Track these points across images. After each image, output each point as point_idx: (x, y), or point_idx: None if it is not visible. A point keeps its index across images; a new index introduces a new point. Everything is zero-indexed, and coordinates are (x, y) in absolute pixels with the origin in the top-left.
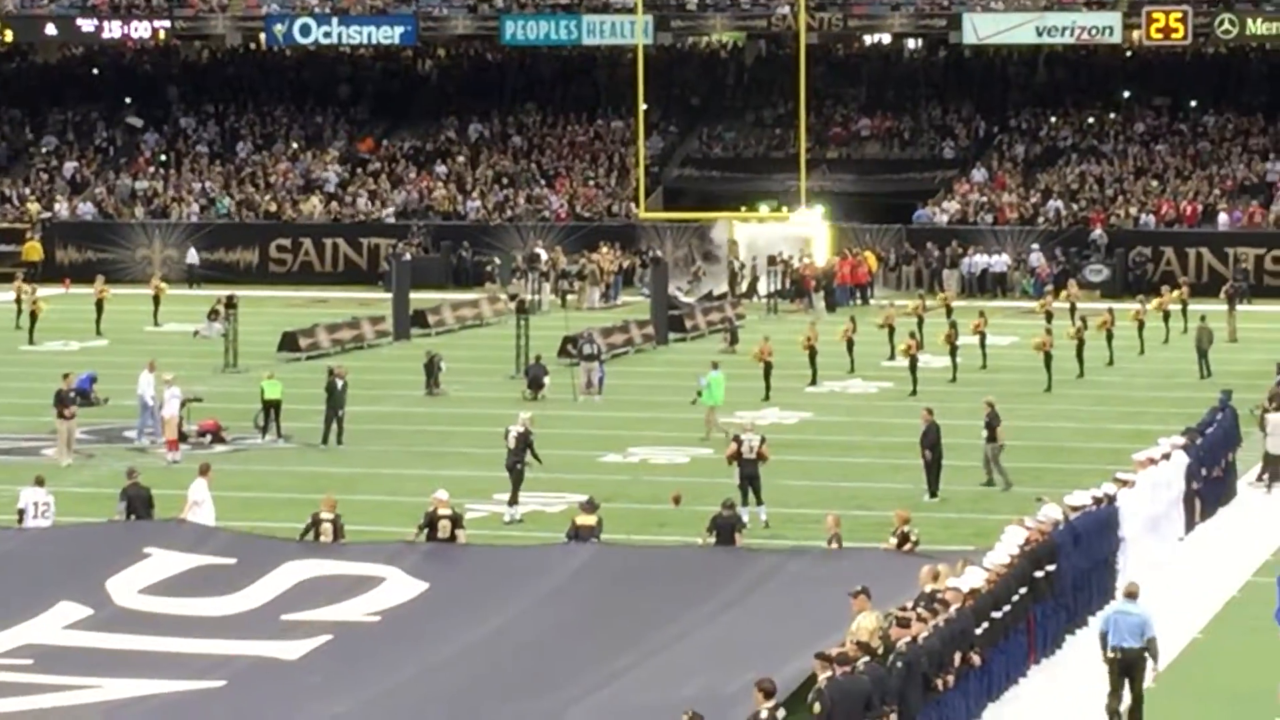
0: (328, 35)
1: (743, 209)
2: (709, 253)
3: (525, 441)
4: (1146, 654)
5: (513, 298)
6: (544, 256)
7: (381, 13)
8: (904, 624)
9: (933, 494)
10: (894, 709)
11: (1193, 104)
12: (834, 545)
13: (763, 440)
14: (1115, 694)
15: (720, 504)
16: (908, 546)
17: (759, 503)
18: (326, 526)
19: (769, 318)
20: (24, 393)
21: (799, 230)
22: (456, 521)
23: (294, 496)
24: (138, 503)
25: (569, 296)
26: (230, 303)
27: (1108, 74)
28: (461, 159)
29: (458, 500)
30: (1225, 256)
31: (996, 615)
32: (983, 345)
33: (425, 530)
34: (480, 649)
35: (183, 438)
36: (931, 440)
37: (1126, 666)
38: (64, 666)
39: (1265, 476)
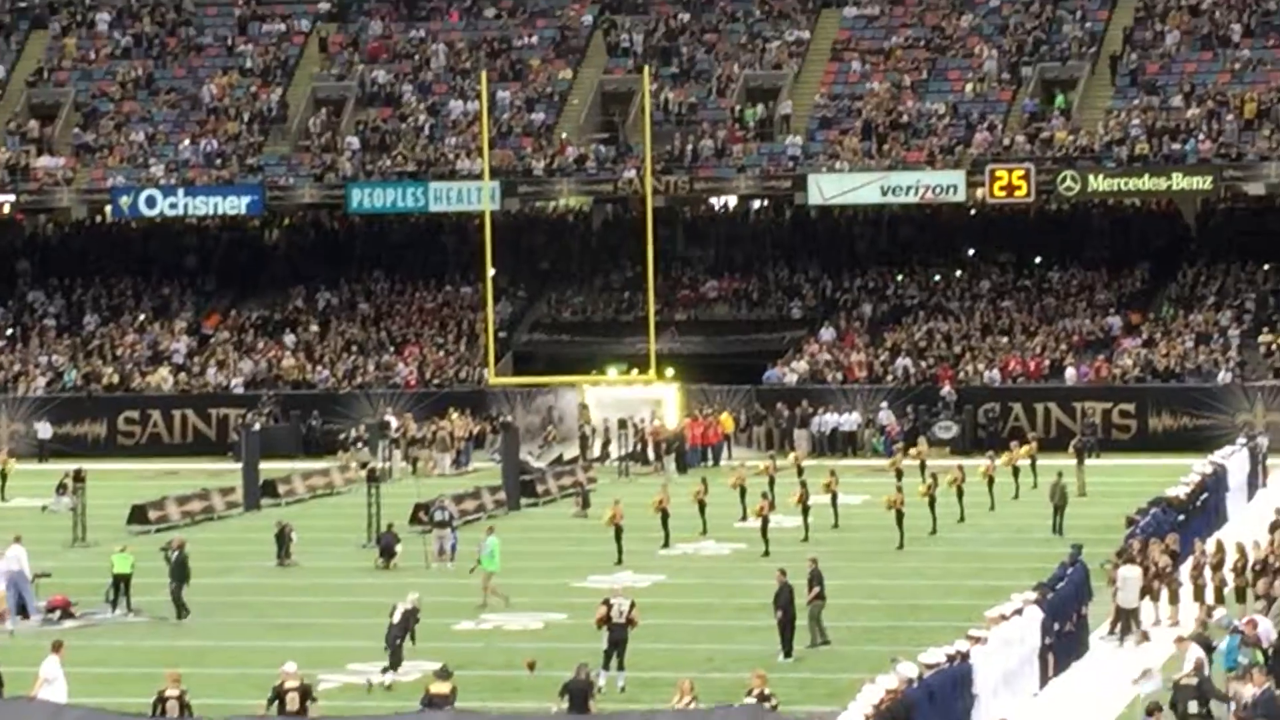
0: (174, 206)
1: (593, 373)
2: (559, 417)
3: (410, 620)
4: None
5: (363, 466)
6: (394, 424)
7: (228, 183)
8: None
9: (786, 654)
10: None
11: (1037, 260)
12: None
13: (633, 605)
14: None
15: (575, 669)
16: (768, 706)
17: (620, 667)
18: (172, 703)
19: (621, 480)
20: None
21: (649, 393)
22: (306, 693)
23: (145, 671)
24: None
25: (419, 463)
26: (78, 476)
27: (953, 232)
28: (310, 328)
29: (310, 671)
30: (1073, 411)
31: None
32: (834, 504)
33: (274, 703)
34: None
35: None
36: (784, 601)
37: None
38: None
39: (1117, 630)
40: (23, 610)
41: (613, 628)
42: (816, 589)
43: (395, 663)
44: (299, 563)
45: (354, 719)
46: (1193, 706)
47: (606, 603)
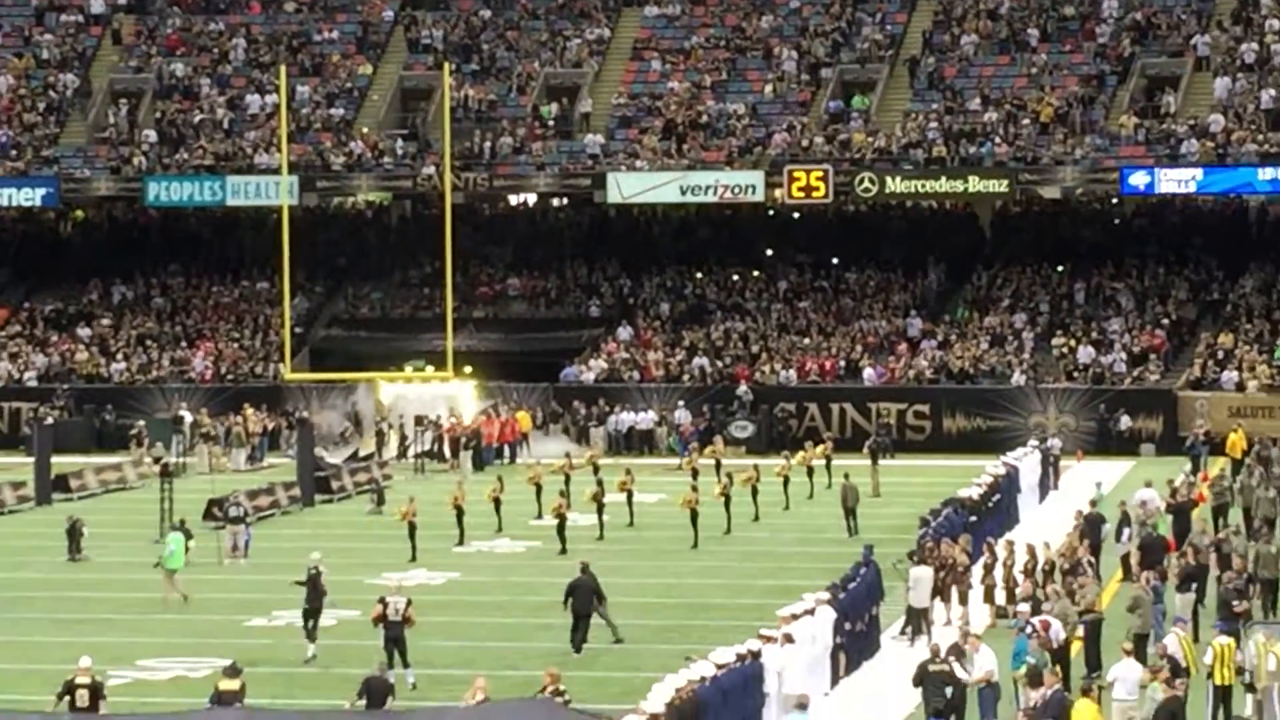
0: None
1: (390, 369)
2: (356, 414)
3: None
4: None
5: (157, 461)
6: (188, 418)
7: (22, 174)
8: None
9: (576, 650)
10: None
11: (835, 261)
12: None
13: (409, 603)
14: None
15: (374, 666)
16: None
17: (405, 665)
18: None
19: (417, 478)
20: None
21: (446, 389)
22: (97, 690)
23: None
24: None
25: (213, 459)
26: None
27: (751, 232)
28: (105, 321)
29: (101, 667)
30: (869, 411)
31: None
32: (630, 503)
33: (64, 698)
34: None
35: None
36: (579, 595)
37: None
38: None
39: (908, 630)
40: None
41: (389, 625)
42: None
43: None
44: (90, 558)
45: (144, 716)
46: (948, 692)
47: (382, 600)
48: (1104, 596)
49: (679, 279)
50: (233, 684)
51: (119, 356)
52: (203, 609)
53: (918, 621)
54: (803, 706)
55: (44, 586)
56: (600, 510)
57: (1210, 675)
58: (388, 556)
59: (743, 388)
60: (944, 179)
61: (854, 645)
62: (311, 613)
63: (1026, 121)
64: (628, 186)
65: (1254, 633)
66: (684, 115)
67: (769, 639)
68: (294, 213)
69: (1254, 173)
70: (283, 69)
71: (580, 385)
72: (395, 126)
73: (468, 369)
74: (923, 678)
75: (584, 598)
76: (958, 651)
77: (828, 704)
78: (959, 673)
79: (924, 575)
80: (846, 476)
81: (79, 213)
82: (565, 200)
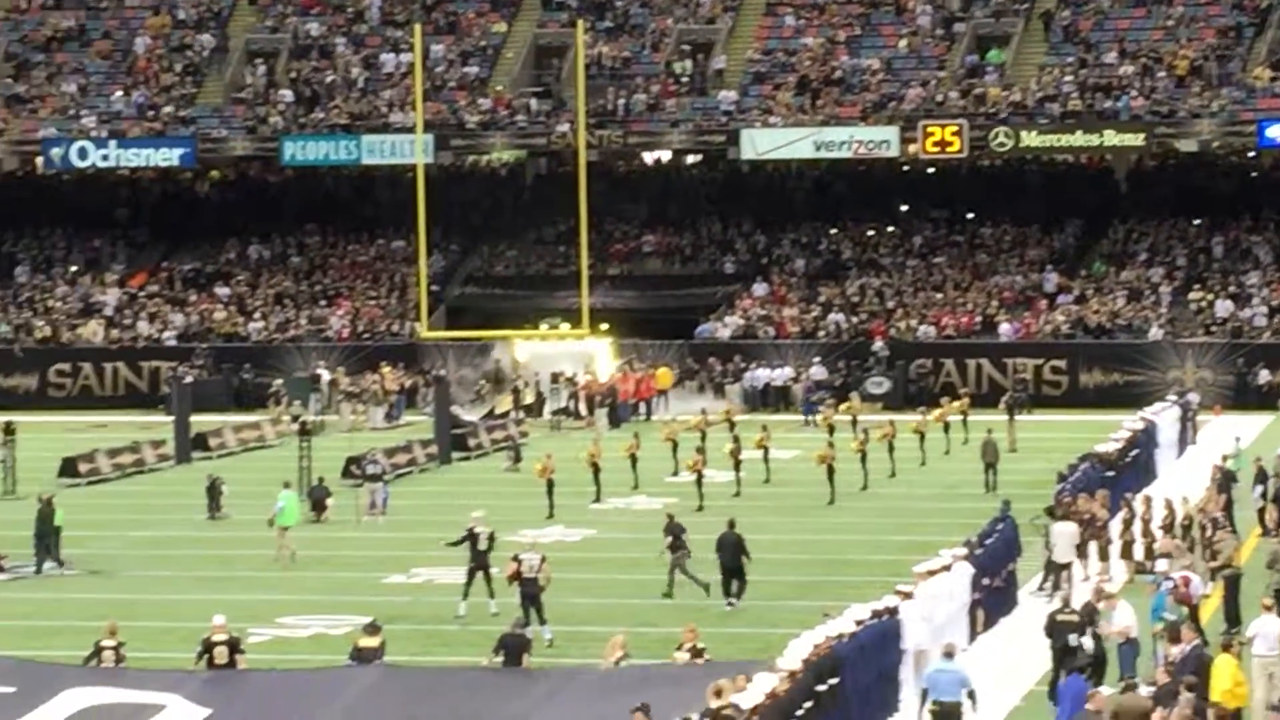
0: (105, 158)
1: (525, 326)
2: (494, 371)
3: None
4: (966, 704)
5: (295, 419)
6: (326, 377)
7: (160, 135)
8: None
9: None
10: None
11: (970, 216)
12: (622, 664)
13: (543, 560)
14: None
15: (511, 623)
16: (700, 661)
17: (542, 622)
18: (109, 654)
19: (553, 435)
20: None
21: (582, 347)
22: (234, 647)
23: (74, 624)
24: None
25: (352, 417)
26: (9, 429)
27: (886, 187)
28: (243, 281)
29: (240, 625)
30: (1005, 367)
31: None
32: (766, 459)
33: (203, 657)
34: None
35: None
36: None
37: (945, 718)
38: None
39: (1047, 585)
40: None
41: (524, 582)
42: (669, 539)
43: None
44: (229, 516)
45: (284, 672)
46: (1073, 640)
47: (516, 558)
48: (1243, 551)
49: (814, 235)
50: (372, 641)
51: (256, 315)
52: (341, 566)
53: (1057, 576)
54: (949, 655)
55: (184, 544)
56: (737, 467)
57: None
58: (525, 514)
59: (878, 343)
60: (1079, 133)
61: (992, 601)
62: (475, 570)
63: (1162, 74)
64: (762, 143)
65: None
66: (818, 71)
67: (906, 595)
68: (429, 171)
69: None
70: (417, 27)
71: (715, 342)
72: (529, 84)
73: (603, 326)
74: (1052, 627)
75: (731, 552)
76: (1091, 610)
77: (965, 660)
78: (1090, 627)
79: (1066, 530)
80: (990, 432)
81: (215, 173)
82: (699, 157)
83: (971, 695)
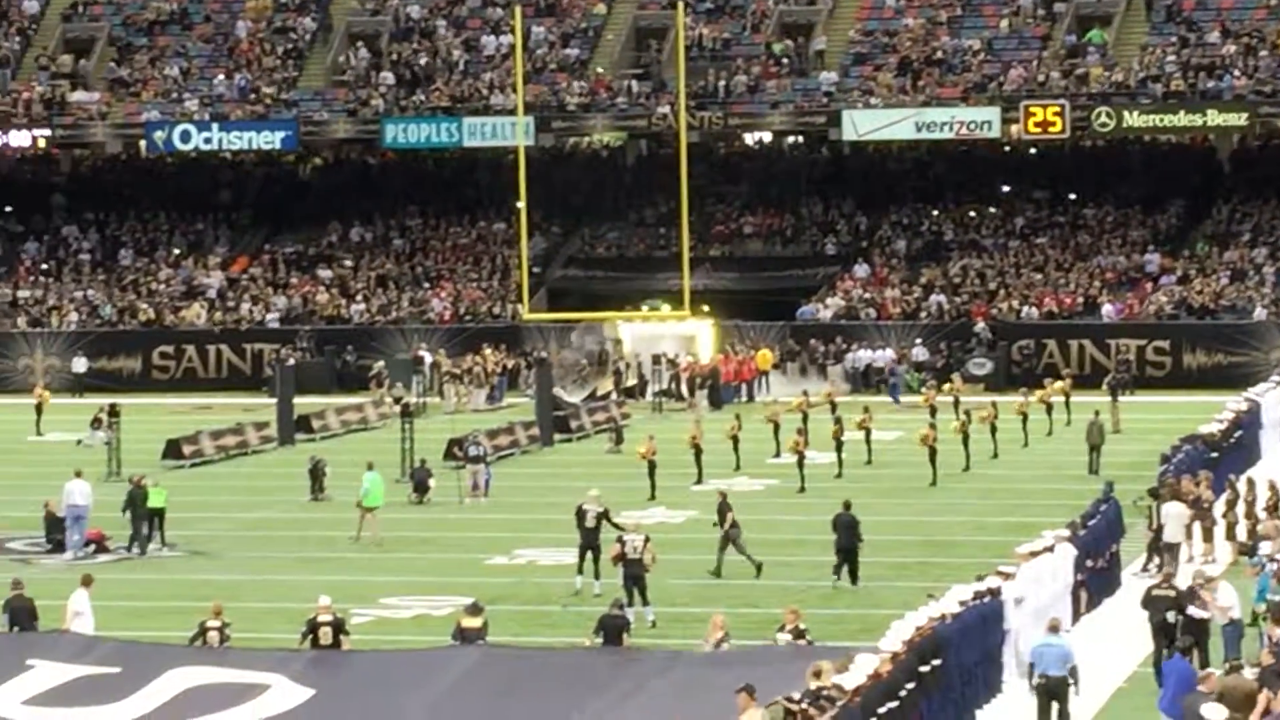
0: (208, 141)
1: (627, 308)
2: (597, 352)
3: (604, 518)
4: (1070, 680)
5: (397, 401)
6: (428, 359)
7: (262, 118)
8: (792, 715)
9: (853, 581)
10: None
11: (1072, 197)
12: (722, 646)
13: (646, 540)
14: (1043, 716)
15: (610, 604)
16: (802, 643)
17: (645, 603)
18: (213, 634)
19: (655, 417)
20: None
21: (683, 329)
22: (339, 628)
23: (179, 605)
24: (21, 614)
25: (455, 399)
26: (113, 411)
27: (987, 168)
28: (345, 263)
29: (344, 605)
30: (1107, 348)
31: (883, 710)
32: (868, 440)
33: (308, 637)
34: None
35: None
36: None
37: (1051, 692)
38: None
39: (1151, 566)
40: (63, 545)
41: (628, 564)
42: (722, 519)
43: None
44: (332, 497)
45: (387, 653)
46: (1170, 616)
47: (620, 540)
48: None
49: (915, 216)
50: (475, 621)
51: (359, 298)
52: (444, 547)
53: (1165, 556)
54: (1055, 629)
55: (287, 526)
56: (839, 448)
57: None
58: (626, 495)
59: (980, 325)
60: (1182, 113)
61: (1095, 582)
62: (584, 549)
63: (1265, 54)
64: (863, 124)
65: None
66: (919, 51)
67: (1008, 576)
68: (530, 153)
69: None
70: (518, 9)
71: (817, 323)
72: (630, 66)
73: (704, 308)
74: (1148, 602)
75: (846, 533)
76: (1192, 594)
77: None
78: (1192, 605)
79: (1175, 511)
80: (1097, 414)
81: (317, 159)
82: (800, 138)
83: (1073, 671)
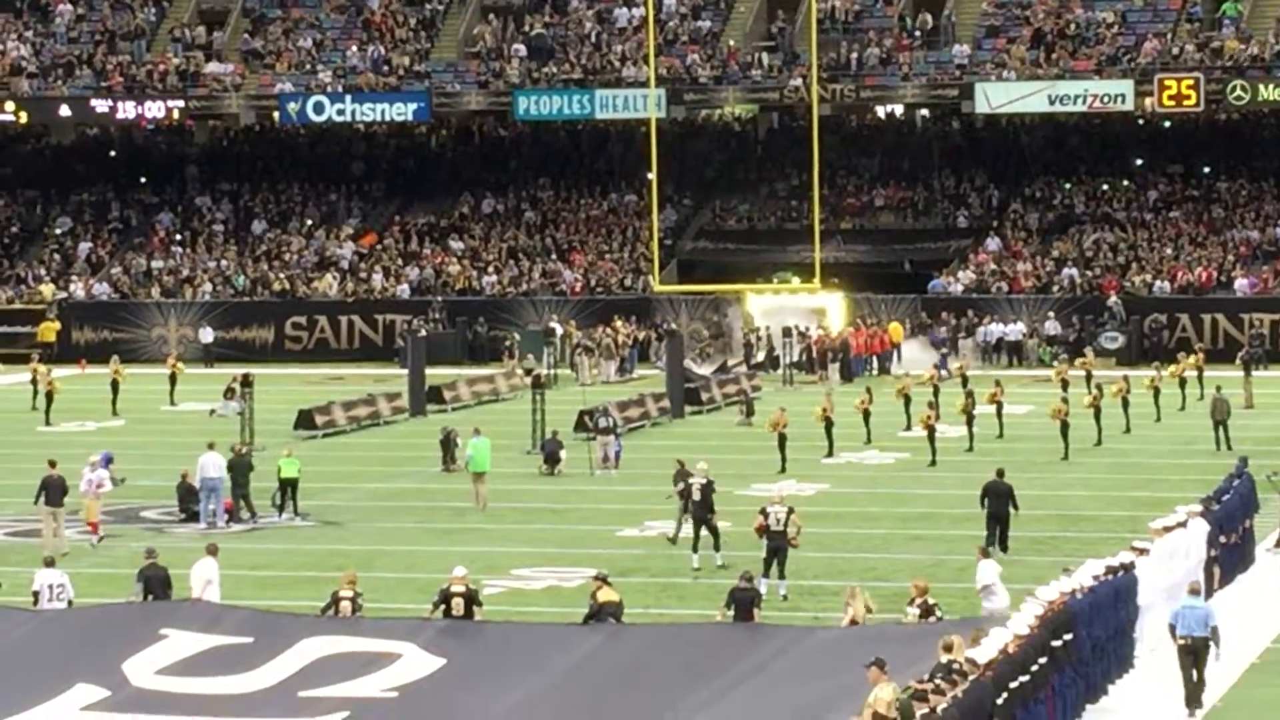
0: (341, 113)
1: (757, 281)
2: (725, 325)
3: (711, 491)
4: (1210, 642)
5: (528, 372)
6: (559, 330)
7: (394, 90)
8: (922, 697)
9: (1003, 549)
10: None
11: (1206, 170)
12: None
13: (790, 512)
14: (1189, 680)
15: (738, 577)
16: (932, 619)
17: (781, 576)
18: (345, 604)
19: (785, 389)
20: (41, 474)
21: (814, 301)
22: (472, 599)
23: (311, 574)
24: (155, 583)
25: (592, 371)
26: (246, 381)
27: (1121, 141)
28: (476, 234)
29: (475, 576)
30: (1241, 322)
31: (1015, 685)
32: (999, 414)
33: (440, 607)
34: None
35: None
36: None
37: (1193, 652)
38: None
39: None
40: (196, 515)
41: (770, 535)
42: (680, 486)
43: (715, 533)
44: (464, 468)
45: (519, 625)
46: None
47: (764, 511)
48: None
49: (1048, 189)
50: (613, 595)
51: (490, 269)
52: (574, 519)
53: None
54: (1195, 592)
55: (419, 496)
56: (970, 422)
57: None
58: (757, 468)
59: (1113, 298)
60: None
61: (1228, 558)
62: (697, 522)
63: None
64: (995, 96)
65: None
66: (1052, 24)
67: (1142, 551)
68: (662, 125)
69: None
70: None
71: (948, 296)
72: (762, 38)
73: (834, 280)
74: None
75: (999, 501)
76: None
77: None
78: None
79: None
80: (1219, 389)
81: (443, 132)
82: (932, 111)
83: (1215, 633)
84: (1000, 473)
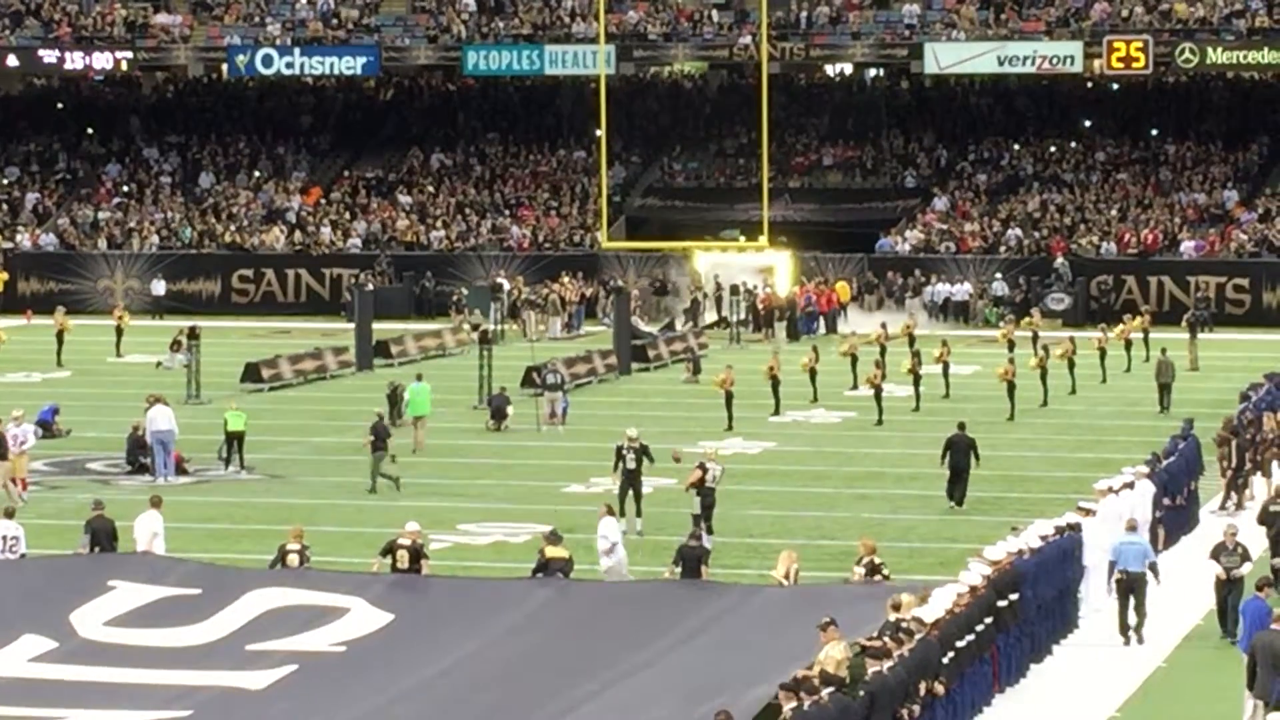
0: (290, 66)
1: (705, 238)
2: (672, 282)
3: (644, 455)
4: (1149, 575)
5: (475, 328)
6: (506, 286)
7: (344, 43)
8: (872, 655)
9: (958, 503)
10: None
11: (1154, 133)
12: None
13: (722, 471)
14: (1123, 611)
15: (688, 534)
16: (878, 577)
17: (708, 531)
18: (293, 558)
19: (732, 347)
20: None
21: (761, 259)
22: (418, 552)
23: (257, 528)
24: (102, 535)
25: (529, 326)
26: (193, 334)
27: (1069, 103)
28: (424, 189)
29: (421, 531)
30: (1187, 285)
31: (961, 644)
32: (946, 374)
33: (385, 557)
34: (444, 681)
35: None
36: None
37: (1131, 586)
38: (28, 699)
39: (1230, 503)
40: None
41: (703, 492)
42: (372, 439)
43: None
44: (410, 423)
45: (466, 580)
46: None
47: (701, 466)
48: None
49: (996, 150)
50: (560, 551)
51: (438, 224)
52: (521, 475)
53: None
54: (1133, 529)
55: (365, 451)
56: (917, 382)
57: None
58: (703, 425)
59: (1059, 260)
60: (1267, 50)
61: (1173, 520)
62: (624, 488)
63: None
64: (945, 57)
65: None
66: None
67: (1087, 512)
68: (611, 82)
69: None
70: None
71: (896, 256)
72: None
73: (782, 239)
74: (1266, 518)
75: (960, 454)
76: None
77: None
78: None
79: None
80: (1164, 351)
81: (392, 87)
82: (881, 70)
83: (1153, 567)
84: (962, 425)
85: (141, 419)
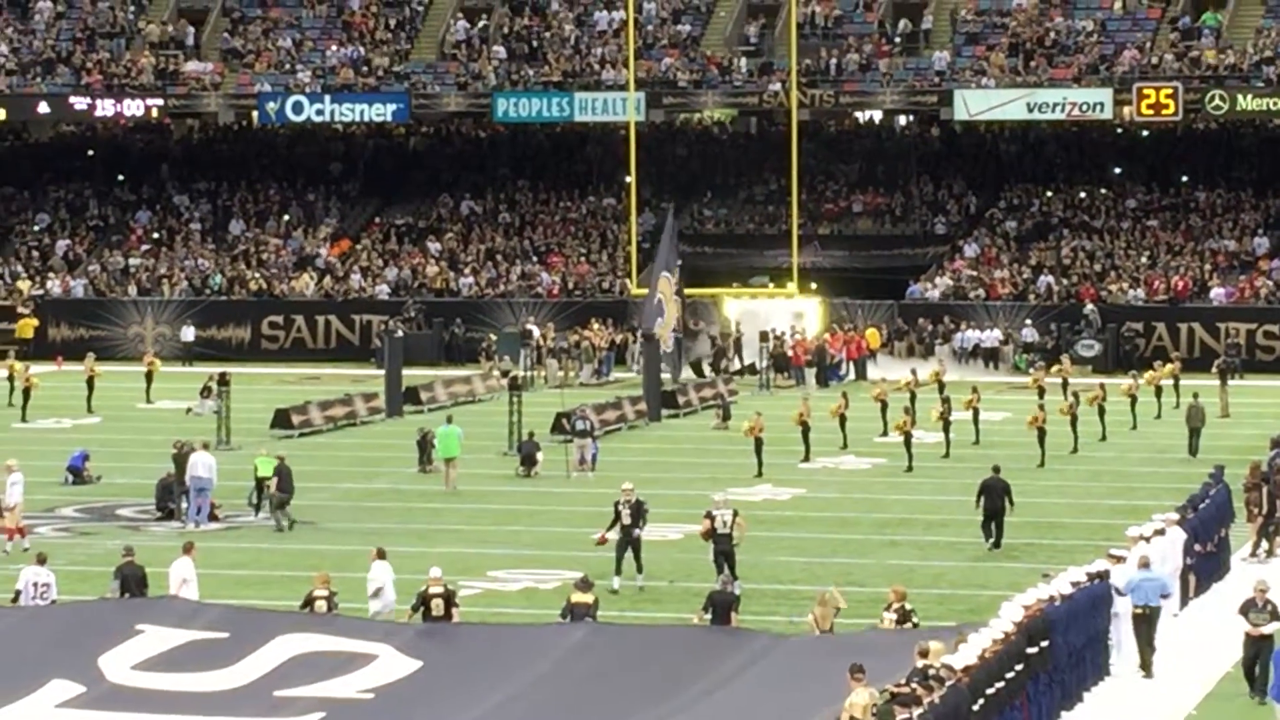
0: (320, 113)
1: (735, 285)
2: (702, 329)
3: (642, 512)
4: (1163, 606)
5: (505, 374)
6: (536, 333)
7: (374, 90)
8: (905, 702)
9: (995, 545)
10: None
11: (1184, 179)
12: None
13: (735, 514)
14: (1141, 642)
15: (718, 581)
16: (908, 624)
17: (734, 578)
18: (321, 604)
19: (761, 394)
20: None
21: (791, 306)
22: (450, 600)
23: (287, 574)
24: (131, 581)
25: (559, 373)
26: (223, 380)
27: (1099, 150)
28: (454, 235)
29: (451, 578)
30: (1217, 331)
31: (991, 691)
32: (975, 421)
33: (419, 609)
34: None
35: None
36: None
37: (1147, 620)
38: None
39: (1261, 551)
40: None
41: (717, 539)
42: (276, 480)
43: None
44: (440, 469)
45: (495, 627)
46: None
47: (709, 515)
48: None
49: (1025, 196)
50: (586, 597)
51: (467, 270)
52: (551, 521)
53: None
54: (1146, 565)
55: (395, 497)
56: (947, 428)
57: None
58: (733, 472)
59: (1089, 306)
60: None
61: (1204, 567)
62: (623, 544)
63: None
64: (974, 104)
65: None
66: (1031, 32)
67: (1118, 559)
68: (641, 129)
69: None
70: None
71: (925, 303)
72: (741, 43)
73: (812, 285)
74: None
75: (995, 498)
76: None
77: (1177, 625)
78: None
79: None
80: (1195, 396)
81: (422, 133)
82: (911, 117)
83: (1166, 597)
84: (996, 469)
85: (169, 467)
